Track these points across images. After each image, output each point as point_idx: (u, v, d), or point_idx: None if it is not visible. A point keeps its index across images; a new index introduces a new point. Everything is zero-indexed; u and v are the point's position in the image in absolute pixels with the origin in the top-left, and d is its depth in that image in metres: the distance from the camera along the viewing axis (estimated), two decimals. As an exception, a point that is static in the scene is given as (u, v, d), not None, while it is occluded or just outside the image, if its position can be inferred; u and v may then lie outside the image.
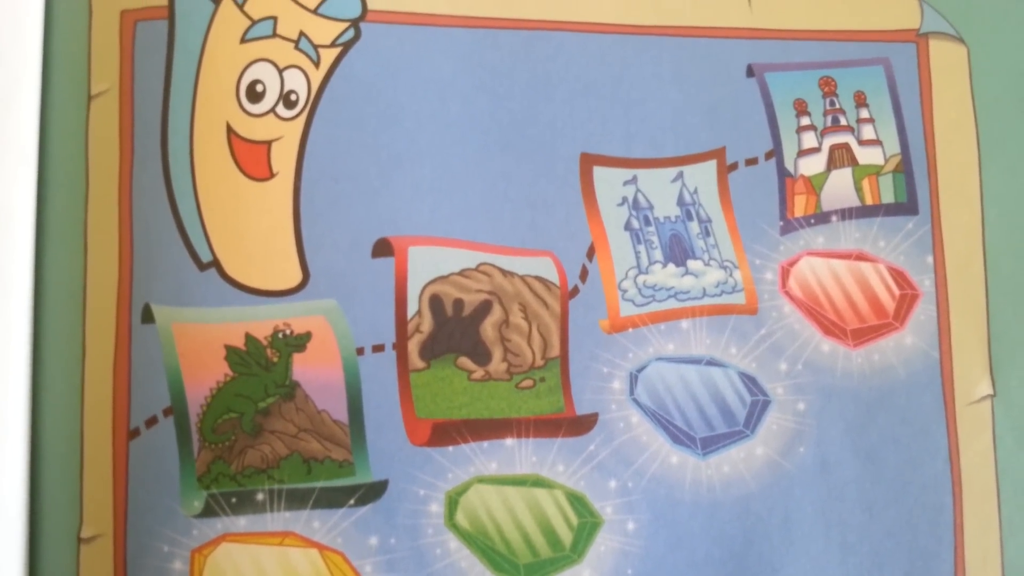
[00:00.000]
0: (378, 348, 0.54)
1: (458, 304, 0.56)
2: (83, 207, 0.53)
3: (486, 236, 0.56)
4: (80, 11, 0.54)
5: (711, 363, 0.58)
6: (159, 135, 0.54)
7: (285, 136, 0.55)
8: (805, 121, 0.61)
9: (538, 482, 0.55)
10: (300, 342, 0.54)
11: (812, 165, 0.61)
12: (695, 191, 0.59)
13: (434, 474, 0.54)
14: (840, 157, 0.61)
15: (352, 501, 0.53)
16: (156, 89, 0.54)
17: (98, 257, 0.53)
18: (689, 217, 0.59)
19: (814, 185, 0.61)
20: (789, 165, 0.60)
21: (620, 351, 0.57)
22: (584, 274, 0.57)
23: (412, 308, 0.55)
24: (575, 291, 0.57)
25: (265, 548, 0.52)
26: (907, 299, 0.60)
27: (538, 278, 0.57)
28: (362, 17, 0.56)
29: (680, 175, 0.59)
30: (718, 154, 0.59)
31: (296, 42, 0.55)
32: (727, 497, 0.57)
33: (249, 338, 0.53)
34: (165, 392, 0.52)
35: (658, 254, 0.58)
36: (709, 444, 0.57)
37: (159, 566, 0.51)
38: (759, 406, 0.58)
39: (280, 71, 0.55)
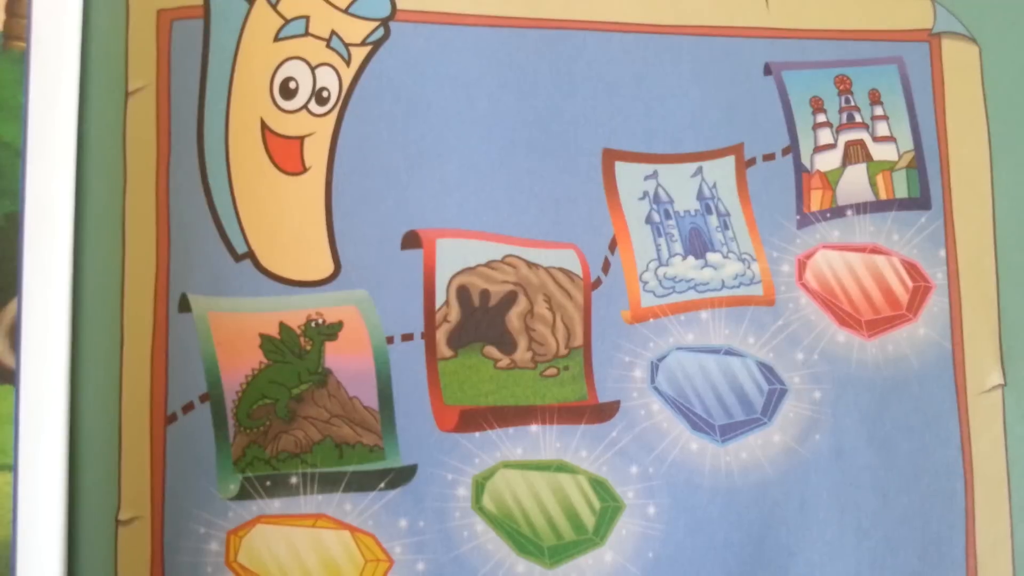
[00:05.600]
0: (407, 337, 0.55)
1: (484, 295, 0.56)
2: (121, 200, 0.53)
3: (511, 229, 0.57)
4: (118, 10, 0.54)
5: (729, 353, 0.58)
6: (195, 130, 0.54)
7: (317, 132, 0.55)
8: (821, 118, 0.61)
9: (562, 467, 0.56)
10: (332, 331, 0.54)
11: (828, 161, 0.61)
12: (714, 186, 0.59)
13: (461, 459, 0.55)
14: (855, 153, 0.61)
15: (382, 485, 0.54)
16: (192, 86, 0.54)
17: (136, 249, 0.53)
18: (708, 211, 0.59)
19: (830, 180, 0.61)
20: (805, 161, 0.61)
21: (641, 341, 0.57)
22: (606, 266, 0.58)
23: (440, 298, 0.56)
24: (598, 283, 0.57)
25: (298, 530, 0.53)
26: (920, 291, 0.60)
27: (562, 270, 0.57)
28: (391, 16, 0.57)
29: (699, 170, 0.59)
30: (736, 150, 0.60)
31: (328, 41, 0.56)
32: (745, 483, 0.57)
33: (283, 327, 0.54)
34: (202, 379, 0.53)
35: (678, 247, 0.59)
36: (728, 431, 0.57)
37: (196, 547, 0.52)
38: (776, 394, 0.58)
39: (312, 69, 0.56)
